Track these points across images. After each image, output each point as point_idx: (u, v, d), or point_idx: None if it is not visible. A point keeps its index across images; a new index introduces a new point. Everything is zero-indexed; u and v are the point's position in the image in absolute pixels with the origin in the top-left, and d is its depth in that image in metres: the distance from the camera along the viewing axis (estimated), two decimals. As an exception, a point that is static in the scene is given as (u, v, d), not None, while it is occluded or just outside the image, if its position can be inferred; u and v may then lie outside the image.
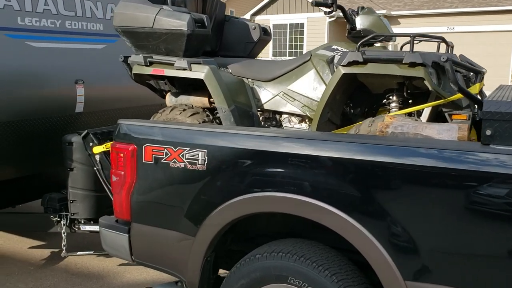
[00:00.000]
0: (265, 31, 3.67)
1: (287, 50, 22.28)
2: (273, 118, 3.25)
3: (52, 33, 4.06)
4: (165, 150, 2.63)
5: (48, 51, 4.00)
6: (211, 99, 3.32)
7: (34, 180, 4.28)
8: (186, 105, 3.22)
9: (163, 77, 3.36)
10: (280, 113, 3.22)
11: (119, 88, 4.62)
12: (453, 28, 20.25)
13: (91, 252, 4.06)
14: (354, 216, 2.10)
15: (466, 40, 19.33)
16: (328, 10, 3.11)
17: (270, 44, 22.50)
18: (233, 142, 2.44)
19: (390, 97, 2.77)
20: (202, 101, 3.31)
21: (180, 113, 3.11)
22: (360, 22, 3.05)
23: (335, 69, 2.89)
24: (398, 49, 3.50)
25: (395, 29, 22.22)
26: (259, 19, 22.58)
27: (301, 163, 2.22)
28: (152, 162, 2.68)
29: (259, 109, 3.22)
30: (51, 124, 4.07)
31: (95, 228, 3.91)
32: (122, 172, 2.79)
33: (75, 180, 3.81)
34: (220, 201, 2.47)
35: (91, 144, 3.18)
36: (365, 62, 2.58)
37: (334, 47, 3.04)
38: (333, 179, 2.13)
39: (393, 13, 21.61)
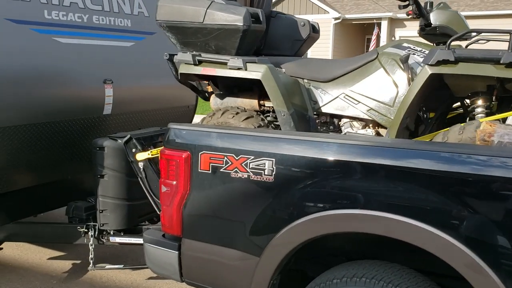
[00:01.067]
0: (313, 28, 3.38)
1: (292, 52, 22.01)
2: (330, 122, 2.96)
3: (80, 29, 3.77)
4: (225, 158, 2.34)
5: (76, 47, 3.70)
6: (262, 101, 3.03)
7: (57, 187, 3.97)
8: (238, 108, 2.93)
9: (208, 78, 3.07)
10: (340, 117, 2.93)
11: (147, 89, 4.33)
12: None
13: (121, 266, 3.76)
14: (464, 241, 1.82)
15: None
16: (404, 3, 2.82)
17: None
18: (310, 150, 2.14)
19: (476, 101, 2.49)
20: (252, 103, 3.02)
21: (233, 116, 2.82)
22: (435, 18, 2.77)
23: (409, 69, 2.61)
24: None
25: (399, 32, 22.01)
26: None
27: (399, 178, 1.92)
28: (210, 172, 2.39)
29: (315, 113, 2.93)
30: (77, 127, 3.77)
31: (126, 240, 3.61)
32: (174, 182, 2.50)
33: (106, 188, 3.51)
34: (293, 218, 2.18)
35: (133, 150, 2.88)
36: (456, 61, 2.30)
37: (405, 45, 2.76)
38: (439, 197, 1.84)
39: (399, 15, 21.39)
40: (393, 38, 21.71)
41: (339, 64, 2.91)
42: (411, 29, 21.06)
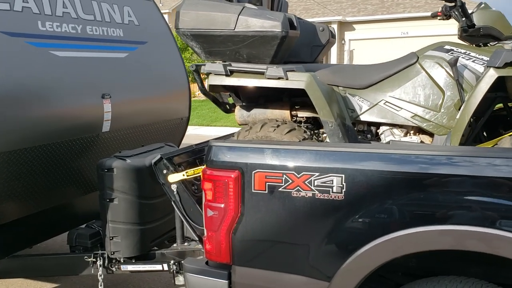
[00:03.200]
0: (331, 33, 3.26)
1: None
2: (368, 130, 2.83)
3: (75, 40, 3.46)
4: (284, 176, 2.16)
5: (74, 61, 3.39)
6: (294, 112, 2.86)
7: (55, 214, 3.63)
8: (277, 120, 2.73)
9: (233, 89, 2.86)
10: (378, 125, 2.81)
11: (143, 102, 4.06)
12: (407, 32, 20.68)
13: (135, 296, 3.46)
14: None
15: (421, 44, 19.75)
16: (451, 4, 2.74)
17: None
18: (385, 164, 2.00)
19: None
20: (283, 114, 2.84)
21: (274, 130, 2.63)
22: (479, 18, 2.70)
23: (458, 72, 2.52)
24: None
25: (349, 35, 22.44)
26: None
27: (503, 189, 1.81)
28: (266, 191, 2.20)
29: (352, 122, 2.79)
30: (75, 148, 3.45)
31: (140, 267, 3.33)
32: (222, 205, 2.28)
33: (117, 212, 3.22)
34: (368, 239, 2.02)
35: (165, 171, 2.63)
36: (524, 63, 2.23)
37: (448, 47, 2.68)
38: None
39: (348, 19, 21.82)
40: (342, 42, 22.11)
41: (375, 69, 2.79)
42: (360, 33, 21.54)
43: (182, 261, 3.28)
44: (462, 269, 2.20)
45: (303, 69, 2.67)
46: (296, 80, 2.55)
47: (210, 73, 2.73)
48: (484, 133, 2.82)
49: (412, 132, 2.75)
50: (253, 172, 2.21)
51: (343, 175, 2.05)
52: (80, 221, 3.68)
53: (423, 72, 2.66)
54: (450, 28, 20.29)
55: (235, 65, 2.68)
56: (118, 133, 3.80)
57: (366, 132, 2.83)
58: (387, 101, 2.72)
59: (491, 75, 2.32)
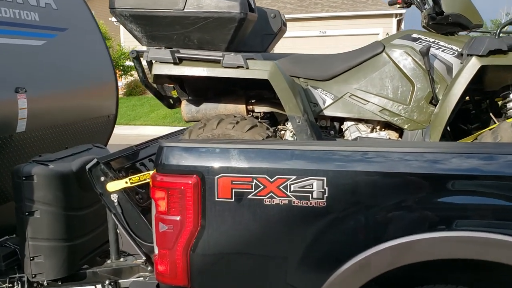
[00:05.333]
0: (283, 21, 2.95)
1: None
2: (331, 126, 2.57)
3: (-20, 23, 2.89)
4: (255, 181, 1.82)
5: (-21, 47, 2.82)
6: (250, 106, 2.53)
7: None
8: (235, 116, 2.38)
9: (179, 80, 2.47)
10: (342, 120, 2.55)
11: (66, 97, 3.54)
12: (325, 31, 21.05)
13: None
14: None
15: (338, 43, 20.20)
16: None
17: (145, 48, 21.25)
18: (374, 164, 1.73)
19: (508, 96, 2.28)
20: (238, 109, 2.50)
21: (234, 126, 2.27)
22: (448, 6, 2.50)
23: (429, 61, 2.32)
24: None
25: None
26: (130, 21, 21.18)
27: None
28: (232, 199, 1.85)
29: (314, 117, 2.51)
30: (-17, 151, 2.89)
31: (67, 291, 2.84)
32: (178, 217, 1.91)
33: (38, 228, 2.71)
34: (355, 251, 1.75)
35: (102, 178, 2.17)
36: (508, 51, 2.05)
37: (415, 35, 2.47)
38: None
39: (267, 16, 21.77)
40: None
41: (338, 59, 2.53)
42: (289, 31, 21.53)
43: (119, 280, 2.84)
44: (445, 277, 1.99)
45: (261, 58, 2.35)
46: (258, 69, 2.22)
47: (155, 60, 2.32)
48: (448, 128, 2.66)
49: (378, 127, 2.53)
50: (216, 177, 1.86)
51: (325, 178, 1.76)
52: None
53: (390, 62, 2.45)
54: (368, 28, 20.96)
55: (185, 52, 2.30)
56: (36, 133, 3.26)
57: (329, 128, 2.58)
58: (352, 94, 2.47)
59: (474, 64, 2.14)
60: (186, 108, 2.58)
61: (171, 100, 2.71)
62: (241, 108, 2.51)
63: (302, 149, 1.81)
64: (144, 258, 2.89)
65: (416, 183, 1.68)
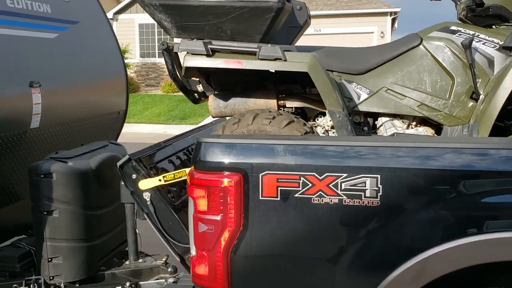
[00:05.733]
0: (308, 14, 2.86)
1: (156, 51, 20.94)
2: (364, 122, 2.48)
3: (-7, 14, 2.76)
4: (302, 179, 1.73)
5: (-7, 39, 2.70)
6: (281, 101, 2.43)
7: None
8: (270, 111, 2.28)
9: (206, 73, 2.37)
10: (375, 116, 2.46)
11: (78, 93, 3.42)
12: (320, 30, 20.98)
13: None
14: None
15: (333, 41, 20.15)
16: None
17: (137, 45, 21.05)
18: (433, 161, 1.64)
19: None
20: (268, 104, 2.41)
21: (270, 122, 2.17)
22: (488, -3, 2.43)
23: (471, 54, 2.24)
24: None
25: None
26: (123, 18, 20.92)
27: None
28: (278, 198, 1.76)
29: (348, 112, 2.42)
30: (-3, 148, 2.76)
31: (85, 293, 2.73)
32: (219, 217, 1.80)
33: (57, 227, 2.60)
34: (412, 252, 1.66)
35: (134, 176, 2.04)
36: None
37: (454, 28, 2.39)
38: None
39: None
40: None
41: (374, 52, 2.44)
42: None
43: (140, 282, 2.74)
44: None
45: (295, 50, 2.25)
46: (297, 61, 2.13)
47: (187, 52, 2.21)
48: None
49: (414, 123, 2.45)
50: (260, 174, 1.76)
51: (379, 176, 1.67)
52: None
53: (428, 55, 2.37)
54: (363, 26, 20.93)
55: (218, 43, 2.20)
56: (49, 129, 3.14)
57: (363, 124, 2.49)
58: (389, 88, 2.39)
59: None
60: (214, 103, 2.47)
61: (196, 94, 2.61)
62: (272, 103, 2.41)
63: (354, 145, 1.72)
64: (164, 259, 2.80)
65: (481, 181, 1.60)
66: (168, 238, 2.12)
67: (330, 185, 1.71)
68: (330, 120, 2.48)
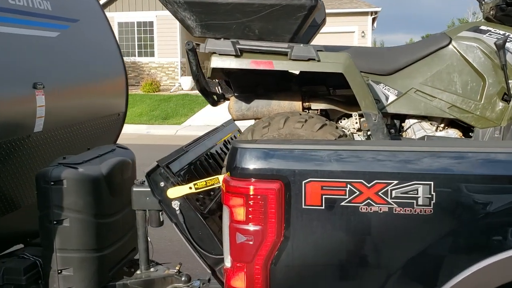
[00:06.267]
0: (325, 12, 2.78)
1: (136, 50, 20.66)
2: (391, 124, 2.40)
3: (-4, 11, 2.60)
4: (349, 186, 1.64)
5: (-2, 38, 2.54)
6: (307, 103, 2.34)
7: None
8: (300, 114, 2.18)
9: (229, 75, 2.26)
10: (403, 118, 2.39)
11: (80, 94, 3.26)
12: (301, 28, 20.96)
13: None
14: None
15: (314, 40, 20.14)
16: None
17: (117, 44, 20.69)
18: (491, 167, 1.57)
19: None
20: (293, 106, 2.31)
21: (302, 125, 2.07)
22: (521, -5, 2.37)
23: (505, 55, 2.19)
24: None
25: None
26: (102, 16, 20.54)
27: None
28: (322, 207, 1.66)
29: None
30: (-1, 153, 2.60)
31: (96, 306, 2.59)
32: (258, 227, 1.70)
33: (68, 237, 2.46)
34: (468, 263, 1.59)
35: (162, 184, 1.91)
36: None
37: (484, 28, 2.33)
38: None
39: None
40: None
41: (401, 52, 2.37)
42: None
43: None
44: None
45: (324, 50, 2.16)
46: (331, 62, 2.03)
47: (214, 52, 2.10)
48: None
49: (442, 125, 2.38)
50: (303, 182, 1.66)
51: (432, 183, 1.59)
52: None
53: (458, 55, 2.31)
54: (344, 26, 20.99)
55: (247, 43, 2.09)
56: (52, 133, 2.98)
57: (389, 126, 2.41)
58: (418, 90, 2.32)
59: None
60: (236, 105, 2.36)
61: (215, 96, 2.49)
62: (296, 105, 2.32)
63: (405, 150, 1.63)
64: (177, 267, 2.68)
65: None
66: (198, 249, 2.01)
67: (380, 193, 1.62)
68: (356, 123, 2.41)
